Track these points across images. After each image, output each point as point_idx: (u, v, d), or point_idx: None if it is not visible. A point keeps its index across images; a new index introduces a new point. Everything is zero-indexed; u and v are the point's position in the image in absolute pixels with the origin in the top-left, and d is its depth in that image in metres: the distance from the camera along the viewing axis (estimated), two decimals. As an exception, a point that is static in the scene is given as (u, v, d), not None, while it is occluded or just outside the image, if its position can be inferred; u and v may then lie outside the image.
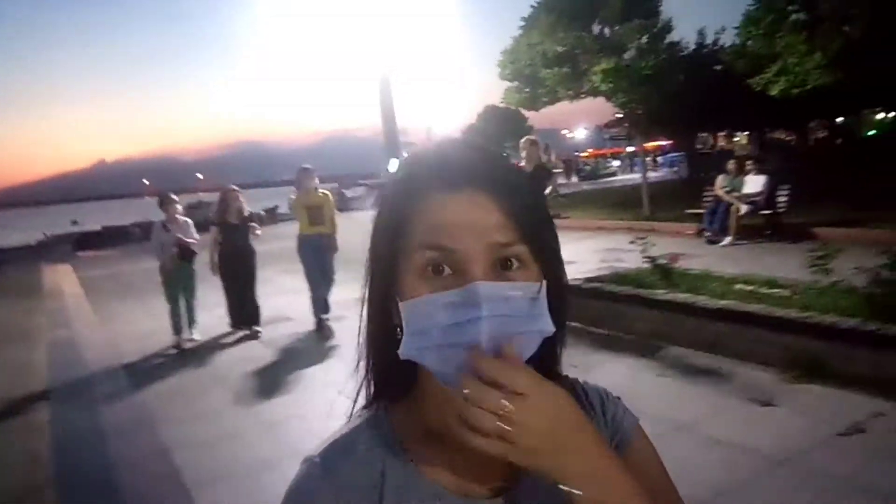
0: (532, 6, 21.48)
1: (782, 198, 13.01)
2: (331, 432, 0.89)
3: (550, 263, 0.82)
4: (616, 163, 60.37)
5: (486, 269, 0.75)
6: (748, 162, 14.23)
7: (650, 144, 59.42)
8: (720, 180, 13.64)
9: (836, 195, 14.23)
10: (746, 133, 42.14)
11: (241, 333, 9.25)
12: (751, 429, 4.79)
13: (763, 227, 12.99)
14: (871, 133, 36.46)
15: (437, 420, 0.83)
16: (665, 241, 11.14)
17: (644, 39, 17.01)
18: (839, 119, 32.11)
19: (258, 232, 9.28)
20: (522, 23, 22.01)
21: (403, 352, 0.76)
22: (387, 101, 14.20)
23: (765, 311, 5.98)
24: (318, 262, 8.94)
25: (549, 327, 0.77)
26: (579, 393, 0.95)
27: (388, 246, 0.80)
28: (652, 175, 37.29)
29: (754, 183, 13.32)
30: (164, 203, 8.91)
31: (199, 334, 9.19)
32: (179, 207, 9.06)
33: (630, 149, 62.83)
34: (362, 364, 0.89)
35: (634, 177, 31.48)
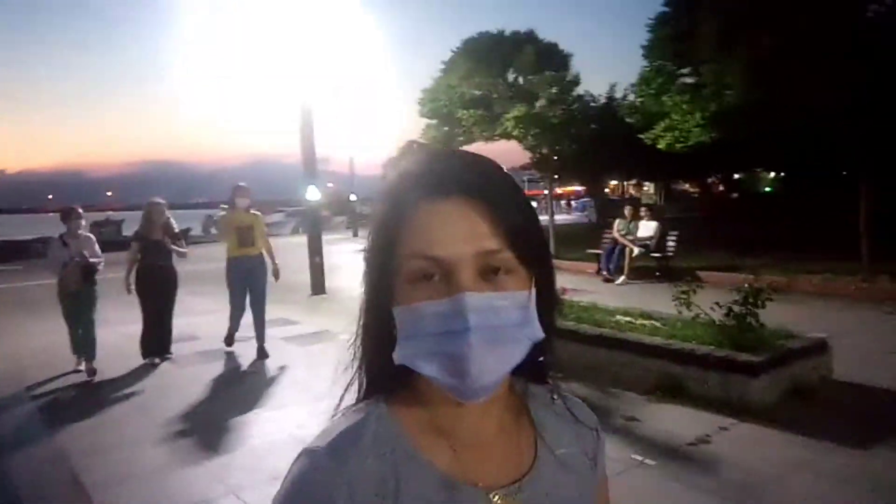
0: (452, 51, 22.55)
1: (671, 243, 14.16)
2: (324, 427, 0.87)
3: (539, 269, 0.82)
4: (534, 204, 62.29)
5: (474, 276, 0.75)
6: (642, 209, 15.46)
7: (567, 189, 61.90)
8: (617, 224, 14.74)
9: (722, 243, 15.73)
10: (653, 183, 44.57)
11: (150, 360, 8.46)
12: (613, 440, 5.40)
13: (653, 268, 14.13)
14: (767, 189, 39.48)
15: (435, 415, 0.83)
16: (566, 278, 11.98)
17: (554, 90, 18.05)
18: (737, 175, 34.62)
19: (184, 250, 8.53)
20: (443, 65, 23.00)
21: (398, 357, 0.78)
22: (307, 129, 14.59)
23: (635, 339, 6.71)
24: (246, 286, 8.42)
25: (537, 333, 0.79)
26: (555, 400, 0.96)
27: (380, 254, 0.81)
28: (565, 218, 38.83)
29: (646, 228, 14.49)
30: (68, 216, 7.90)
31: (96, 366, 8.02)
32: (83, 223, 8.13)
33: (547, 191, 64.80)
34: (355, 364, 0.89)
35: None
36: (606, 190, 47.07)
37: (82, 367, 8.03)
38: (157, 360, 8.43)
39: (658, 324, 7.24)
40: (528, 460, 0.87)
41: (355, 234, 31.17)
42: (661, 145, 14.03)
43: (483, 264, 0.76)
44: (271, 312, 9.14)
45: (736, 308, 6.30)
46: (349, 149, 38.19)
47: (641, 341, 6.60)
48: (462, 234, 0.75)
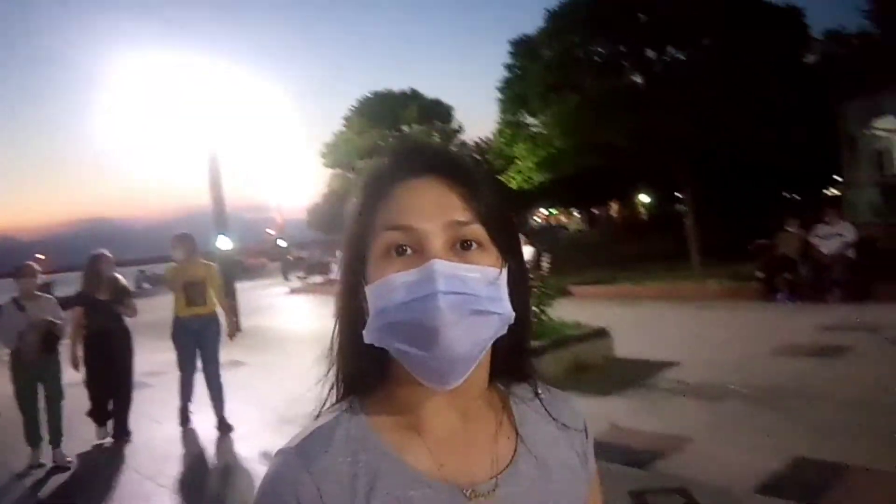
0: (350, 108, 24.69)
1: (545, 264, 16.17)
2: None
3: (508, 249, 0.80)
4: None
5: (444, 247, 0.74)
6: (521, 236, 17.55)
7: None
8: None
9: (605, 259, 17.79)
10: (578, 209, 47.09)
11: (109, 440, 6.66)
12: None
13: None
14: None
15: (410, 412, 0.80)
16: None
17: (437, 138, 20.09)
18: (645, 197, 37.59)
19: (131, 311, 6.84)
20: (344, 121, 25.09)
21: (367, 335, 0.76)
22: (215, 182, 15.66)
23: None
24: (196, 349, 6.82)
25: (507, 311, 0.76)
26: (539, 395, 0.91)
27: (356, 234, 0.80)
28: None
29: (525, 253, 16.46)
30: (21, 274, 6.39)
31: (67, 455, 6.24)
32: (38, 282, 6.62)
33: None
34: (333, 360, 0.85)
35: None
36: (536, 218, 49.16)
37: (43, 458, 6.23)
38: (110, 439, 6.71)
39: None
40: (507, 457, 0.83)
41: (286, 278, 32.13)
42: (514, 185, 16.21)
43: (453, 235, 0.75)
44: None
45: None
46: (274, 196, 39.41)
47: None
48: (433, 206, 0.75)
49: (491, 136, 25.91)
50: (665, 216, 28.20)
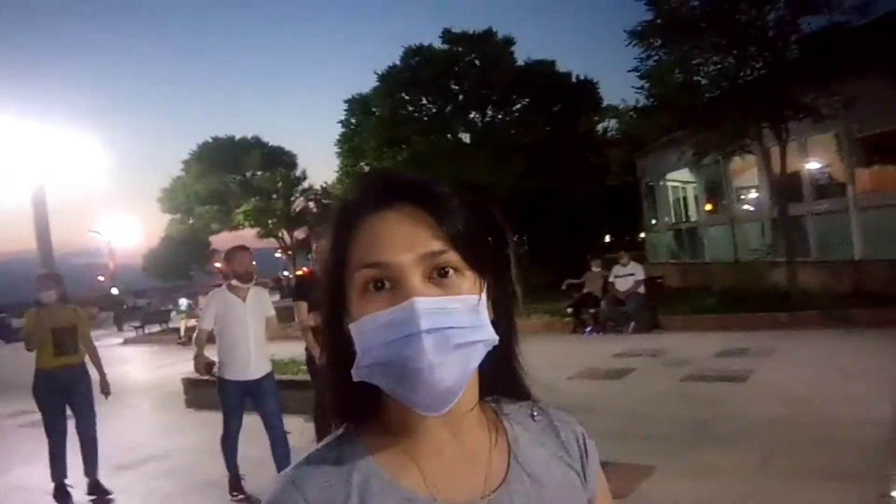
0: (189, 153, 24.25)
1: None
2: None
3: (486, 271, 0.79)
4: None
5: (422, 280, 0.73)
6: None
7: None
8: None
9: None
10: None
11: None
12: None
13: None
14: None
15: (403, 434, 0.80)
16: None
17: (280, 185, 20.39)
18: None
19: None
20: (183, 165, 24.53)
21: (356, 373, 0.75)
22: (42, 222, 14.82)
23: (293, 378, 8.87)
24: (65, 406, 5.84)
25: (490, 336, 0.76)
26: (533, 413, 0.90)
27: (333, 272, 0.79)
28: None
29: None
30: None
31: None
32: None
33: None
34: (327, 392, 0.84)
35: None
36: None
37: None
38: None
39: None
40: (500, 475, 0.81)
41: (120, 329, 29.98)
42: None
43: (429, 266, 0.73)
44: (11, 404, 8.81)
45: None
46: (106, 240, 36.92)
47: (297, 378, 8.80)
48: (405, 238, 0.73)
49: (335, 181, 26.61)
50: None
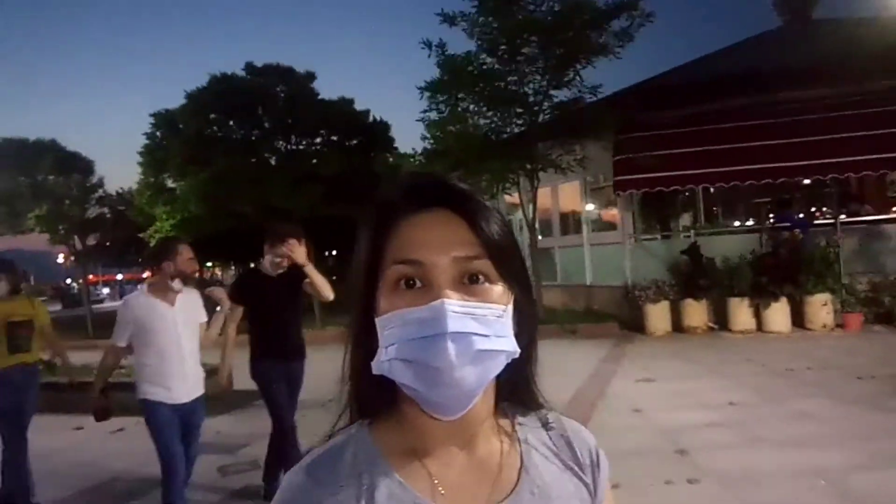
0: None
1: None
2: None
3: (516, 283, 0.79)
4: (106, 290, 59.93)
5: (453, 282, 0.73)
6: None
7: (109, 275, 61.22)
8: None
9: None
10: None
11: None
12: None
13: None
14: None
15: (416, 437, 0.79)
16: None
17: (75, 191, 19.59)
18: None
19: None
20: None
21: (376, 366, 0.74)
22: None
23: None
24: (21, 409, 4.90)
25: (512, 348, 0.75)
26: (548, 424, 0.89)
27: (366, 267, 0.78)
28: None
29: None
30: None
31: None
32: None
33: (120, 276, 62.61)
34: (346, 385, 0.84)
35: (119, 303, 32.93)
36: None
37: None
38: None
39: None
40: (510, 485, 0.80)
41: None
42: (153, 242, 16.96)
43: (462, 270, 0.74)
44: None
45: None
46: None
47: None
48: (441, 239, 0.74)
49: (132, 189, 25.79)
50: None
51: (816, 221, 12.47)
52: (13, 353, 4.88)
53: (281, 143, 16.37)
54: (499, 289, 0.75)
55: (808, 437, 5.25)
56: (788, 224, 11.87)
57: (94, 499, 5.26)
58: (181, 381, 3.99)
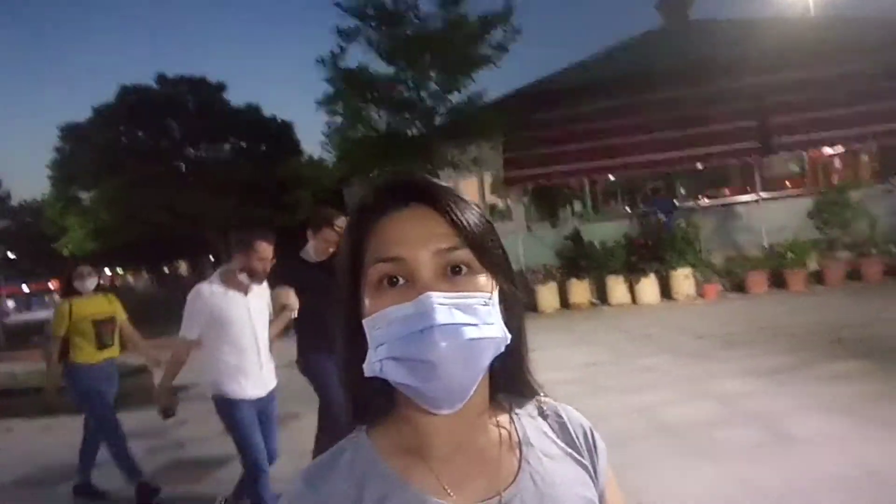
0: None
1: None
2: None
3: (498, 271, 0.77)
4: (11, 302, 57.22)
5: (435, 275, 0.72)
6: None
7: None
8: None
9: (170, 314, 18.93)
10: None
11: None
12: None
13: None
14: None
15: (414, 435, 0.78)
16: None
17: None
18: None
19: None
20: None
21: (367, 368, 0.73)
22: None
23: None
24: (112, 400, 5.09)
25: (502, 334, 0.74)
26: (543, 411, 0.88)
27: (349, 270, 0.77)
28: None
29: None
30: None
31: None
32: None
33: (25, 289, 59.66)
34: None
35: (29, 316, 31.68)
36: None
37: None
38: None
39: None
40: (511, 474, 0.79)
41: None
42: (66, 252, 16.86)
43: (444, 263, 0.73)
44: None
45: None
46: None
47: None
48: (421, 234, 0.73)
49: (39, 200, 25.10)
50: (204, 276, 30.58)
51: (681, 205, 13.82)
52: (101, 349, 5.00)
53: (190, 150, 16.59)
54: (482, 278, 0.75)
55: (644, 385, 6.28)
56: (655, 209, 13.23)
57: (28, 486, 5.64)
58: (258, 375, 3.76)
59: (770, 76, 12.96)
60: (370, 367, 0.73)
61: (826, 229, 12.11)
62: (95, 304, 5.04)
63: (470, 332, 0.70)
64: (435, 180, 0.79)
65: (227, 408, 3.65)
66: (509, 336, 0.75)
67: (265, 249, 3.76)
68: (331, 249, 4.15)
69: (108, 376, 5.02)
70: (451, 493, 0.76)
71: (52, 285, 29.49)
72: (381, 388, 0.76)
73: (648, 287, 11.88)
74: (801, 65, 12.92)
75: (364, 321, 0.74)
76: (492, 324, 0.73)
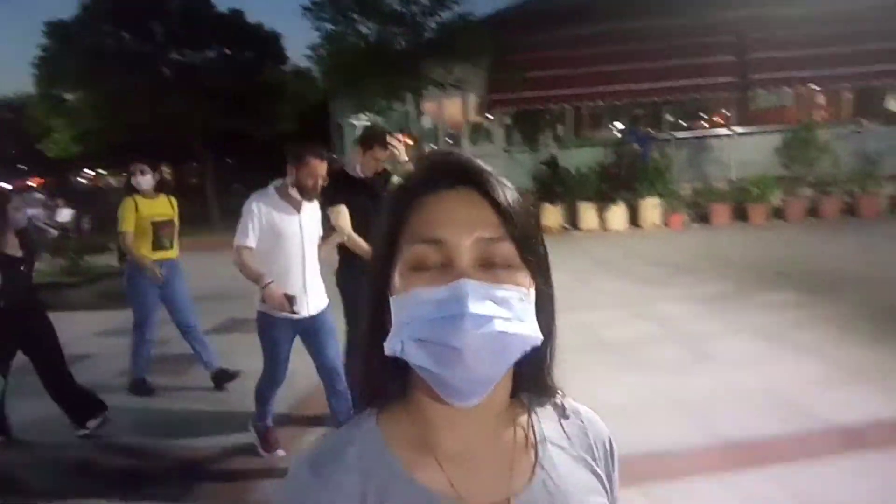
0: None
1: (86, 224, 16.96)
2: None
3: (538, 269, 0.74)
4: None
5: (473, 263, 0.69)
6: (60, 199, 17.86)
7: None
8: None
9: None
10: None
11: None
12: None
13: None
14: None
15: (426, 427, 0.75)
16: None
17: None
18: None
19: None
20: None
21: (388, 346, 0.70)
22: None
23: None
24: (157, 300, 5.18)
25: (534, 333, 0.70)
26: (565, 413, 0.84)
27: (385, 246, 0.74)
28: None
29: (64, 214, 16.96)
30: None
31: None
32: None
33: (7, 185, 59.23)
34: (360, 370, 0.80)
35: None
36: (82, 179, 46.03)
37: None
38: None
39: None
40: (525, 476, 0.76)
41: None
42: (51, 154, 16.87)
43: (483, 252, 0.69)
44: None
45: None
46: None
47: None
48: (463, 219, 0.70)
49: (20, 95, 24.68)
50: (187, 182, 30.22)
51: (656, 136, 14.06)
52: (156, 250, 5.01)
53: (174, 56, 16.35)
54: (521, 273, 0.71)
55: (594, 306, 6.74)
56: (633, 138, 13.48)
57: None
58: (303, 294, 3.64)
59: (750, 11, 12.93)
60: (391, 345, 0.70)
61: (792, 166, 12.46)
62: (157, 206, 5.08)
63: (502, 326, 0.67)
64: (485, 166, 0.75)
65: (263, 323, 3.66)
66: (541, 337, 0.71)
67: (318, 166, 3.60)
68: (380, 167, 4.18)
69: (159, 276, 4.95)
70: (459, 492, 0.73)
71: (32, 183, 29.22)
72: (397, 372, 0.74)
73: (618, 214, 12.29)
74: (781, 1, 12.90)
75: (392, 298, 0.72)
76: (524, 321, 0.70)
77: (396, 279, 0.71)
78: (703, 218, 12.28)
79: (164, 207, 5.12)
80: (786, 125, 13.55)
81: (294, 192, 3.64)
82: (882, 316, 5.78)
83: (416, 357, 0.68)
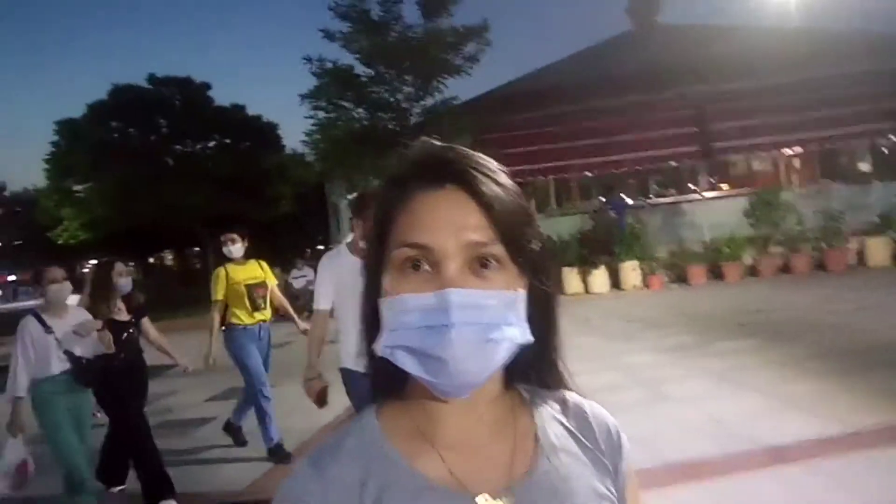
0: None
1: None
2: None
3: (530, 267, 0.72)
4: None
5: (461, 268, 0.68)
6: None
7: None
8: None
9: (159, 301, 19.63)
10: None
11: None
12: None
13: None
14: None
15: (424, 418, 0.75)
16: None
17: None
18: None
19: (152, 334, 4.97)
20: None
21: (379, 349, 0.71)
22: None
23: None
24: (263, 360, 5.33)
25: (523, 336, 0.70)
26: (567, 405, 0.83)
27: (376, 245, 0.74)
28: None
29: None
30: (40, 278, 4.19)
31: None
32: (67, 287, 4.18)
33: (12, 278, 60.12)
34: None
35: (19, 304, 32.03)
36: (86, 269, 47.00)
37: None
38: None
39: None
40: (525, 465, 0.75)
41: None
42: (60, 242, 17.66)
43: (471, 256, 0.68)
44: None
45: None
46: None
47: None
48: (451, 223, 0.68)
49: (31, 190, 25.74)
50: (190, 267, 31.01)
51: (631, 202, 14.79)
52: (254, 311, 5.18)
53: (177, 147, 17.42)
54: (511, 273, 0.70)
55: (566, 360, 7.25)
56: (610, 206, 14.23)
57: None
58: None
59: (710, 85, 13.93)
60: (382, 350, 0.70)
61: (758, 226, 13.15)
62: (248, 270, 5.26)
63: (487, 332, 0.67)
64: (476, 157, 0.73)
65: (353, 381, 3.36)
66: (530, 338, 0.71)
67: None
68: None
69: (259, 338, 5.19)
70: (461, 482, 0.72)
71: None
72: (395, 367, 0.71)
73: (599, 278, 12.87)
74: (742, 74, 13.91)
75: (381, 301, 0.72)
76: (513, 325, 0.69)
77: (386, 280, 0.71)
78: (681, 278, 12.85)
79: (255, 271, 5.33)
80: (751, 189, 14.34)
81: (363, 244, 3.40)
82: (831, 356, 6.26)
83: (405, 363, 0.68)
